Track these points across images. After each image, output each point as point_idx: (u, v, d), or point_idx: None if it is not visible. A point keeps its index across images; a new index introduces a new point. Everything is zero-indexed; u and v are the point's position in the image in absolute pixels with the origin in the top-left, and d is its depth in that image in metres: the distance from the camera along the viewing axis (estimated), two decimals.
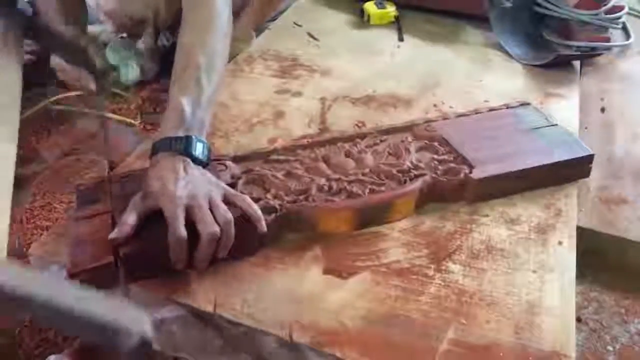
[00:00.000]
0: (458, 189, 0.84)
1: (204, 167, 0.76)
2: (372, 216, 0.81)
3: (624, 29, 1.38)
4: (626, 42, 1.34)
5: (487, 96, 1.12)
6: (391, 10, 1.36)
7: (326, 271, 0.75)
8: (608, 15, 1.24)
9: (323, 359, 0.66)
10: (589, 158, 0.90)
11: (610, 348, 0.83)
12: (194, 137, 0.76)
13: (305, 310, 0.70)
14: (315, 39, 1.31)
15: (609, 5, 1.23)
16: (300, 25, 1.35)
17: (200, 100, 0.79)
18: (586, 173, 0.91)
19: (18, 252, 0.90)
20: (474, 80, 1.19)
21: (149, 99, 1.29)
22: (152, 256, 0.70)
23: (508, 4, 1.34)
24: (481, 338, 0.68)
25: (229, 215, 0.71)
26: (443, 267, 0.76)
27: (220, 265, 0.74)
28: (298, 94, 1.12)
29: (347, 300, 0.71)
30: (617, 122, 1.12)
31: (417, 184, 0.82)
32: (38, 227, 0.93)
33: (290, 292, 0.72)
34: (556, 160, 0.87)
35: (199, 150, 0.76)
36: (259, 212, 0.74)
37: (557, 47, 1.21)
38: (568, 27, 1.22)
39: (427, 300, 0.72)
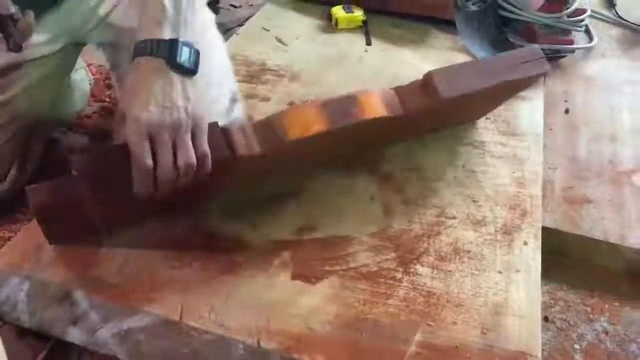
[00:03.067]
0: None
1: (191, 75, 0.69)
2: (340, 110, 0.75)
3: (587, 31, 1.40)
4: (589, 45, 1.37)
5: None
6: (359, 14, 1.36)
7: (294, 276, 0.75)
8: (571, 19, 1.26)
9: None
10: None
11: (577, 346, 0.84)
12: (179, 40, 0.68)
13: (273, 316, 0.69)
14: (283, 43, 1.30)
15: (572, 8, 1.26)
16: (268, 30, 1.35)
17: None
18: None
19: None
20: None
21: None
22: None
23: (473, 8, 1.36)
24: (448, 340, 0.68)
25: (192, 160, 0.66)
26: (411, 270, 0.76)
27: (186, 272, 0.74)
28: (266, 99, 1.12)
29: (316, 305, 0.71)
30: (580, 123, 1.14)
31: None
32: (0, 239, 0.91)
33: (259, 298, 0.72)
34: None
35: (184, 56, 0.68)
36: (208, 163, 0.68)
37: None
38: (532, 30, 1.24)
39: (395, 304, 0.72)
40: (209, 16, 1.00)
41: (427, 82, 0.79)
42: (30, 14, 0.75)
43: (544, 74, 0.86)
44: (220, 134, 0.71)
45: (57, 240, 0.76)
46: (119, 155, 0.66)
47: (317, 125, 0.73)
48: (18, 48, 0.75)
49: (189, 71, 0.68)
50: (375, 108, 0.76)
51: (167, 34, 0.68)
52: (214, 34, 1.01)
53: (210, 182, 0.71)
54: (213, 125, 0.71)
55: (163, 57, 0.67)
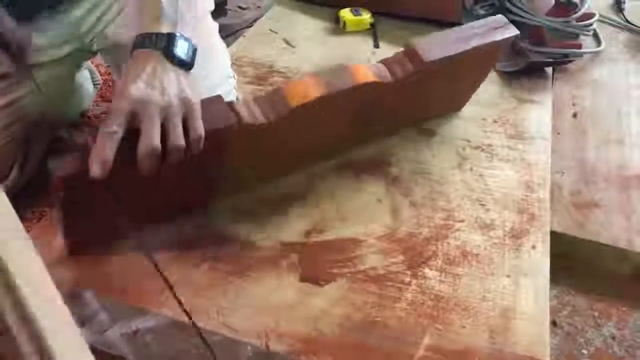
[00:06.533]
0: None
1: (187, 69, 0.69)
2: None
3: (595, 35, 1.40)
4: (597, 49, 1.36)
5: None
6: (367, 17, 1.36)
7: (303, 278, 0.75)
8: (579, 23, 1.26)
9: None
10: None
11: (584, 351, 0.84)
12: (177, 34, 0.69)
13: (281, 318, 0.70)
14: (291, 45, 1.30)
15: (580, 12, 1.25)
16: (275, 32, 1.35)
17: None
18: None
19: None
20: None
21: None
22: None
23: (482, 12, 1.36)
24: (457, 343, 0.68)
25: (180, 142, 0.65)
26: (419, 273, 0.76)
27: (195, 273, 0.74)
28: None
29: (324, 307, 0.71)
30: (588, 127, 1.14)
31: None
32: None
33: (267, 300, 0.72)
34: None
35: (182, 48, 0.68)
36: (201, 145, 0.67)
37: (530, 53, 1.23)
38: (540, 34, 1.24)
39: (403, 307, 0.72)
40: (212, 24, 1.02)
41: (409, 50, 0.85)
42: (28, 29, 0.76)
43: (514, 37, 0.92)
44: (225, 106, 0.73)
45: (74, 236, 0.75)
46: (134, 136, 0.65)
47: (314, 91, 0.77)
48: (19, 60, 0.76)
49: (186, 64, 0.69)
50: (366, 74, 0.81)
51: (165, 29, 0.69)
52: (217, 40, 1.02)
53: (217, 162, 0.72)
54: (218, 98, 0.73)
55: (160, 48, 0.67)
